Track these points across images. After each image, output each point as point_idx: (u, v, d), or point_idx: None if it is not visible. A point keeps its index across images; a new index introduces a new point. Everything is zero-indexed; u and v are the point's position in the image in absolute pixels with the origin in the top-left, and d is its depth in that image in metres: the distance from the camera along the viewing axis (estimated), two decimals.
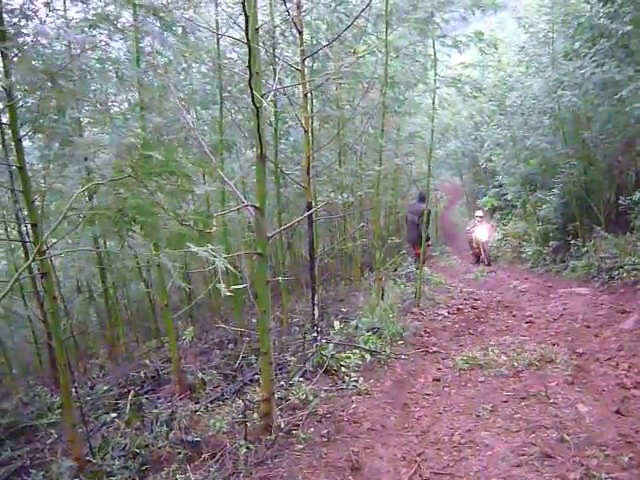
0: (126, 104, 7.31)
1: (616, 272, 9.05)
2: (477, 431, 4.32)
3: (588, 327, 6.85)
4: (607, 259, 9.65)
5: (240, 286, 3.53)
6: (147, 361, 7.53)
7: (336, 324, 6.17)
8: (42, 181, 6.57)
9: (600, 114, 10.33)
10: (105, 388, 6.75)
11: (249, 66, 3.38)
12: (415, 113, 10.73)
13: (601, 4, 8.97)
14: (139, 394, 6.20)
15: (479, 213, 16.69)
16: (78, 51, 4.96)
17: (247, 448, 4.08)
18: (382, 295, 7.72)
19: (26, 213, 4.43)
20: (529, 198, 14.56)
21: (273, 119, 7.18)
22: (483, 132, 16.91)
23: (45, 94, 4.60)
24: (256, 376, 5.72)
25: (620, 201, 10.14)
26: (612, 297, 8.17)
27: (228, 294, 3.16)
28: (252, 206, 3.82)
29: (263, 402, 4.28)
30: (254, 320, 8.82)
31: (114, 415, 5.66)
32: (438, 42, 7.55)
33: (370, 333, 6.38)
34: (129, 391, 6.17)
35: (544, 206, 13.33)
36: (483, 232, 15.69)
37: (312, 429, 4.42)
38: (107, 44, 6.27)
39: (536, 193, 14.16)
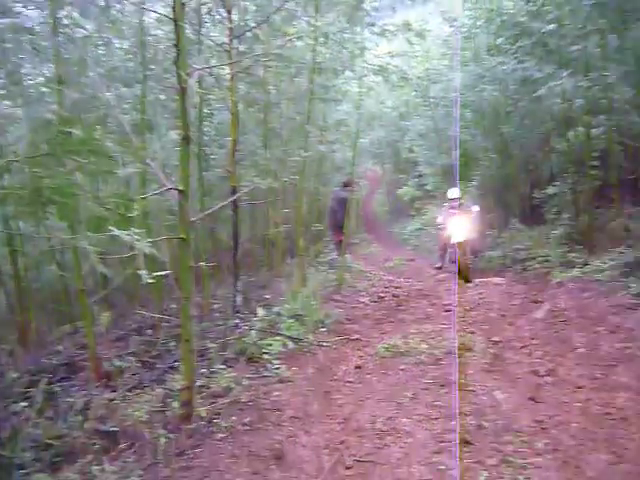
0: (42, 78, 6.95)
1: (529, 263, 9.40)
2: (398, 418, 4.37)
3: (503, 316, 7.07)
4: (521, 250, 10.01)
5: (162, 273, 3.40)
6: (60, 347, 7.23)
7: (259, 311, 6.10)
8: None
9: (519, 110, 10.66)
10: (15, 375, 6.40)
11: (176, 43, 3.25)
12: (341, 101, 10.73)
13: (523, 2, 9.23)
14: (52, 382, 5.92)
15: (454, 193, 10.51)
16: None
17: (167, 438, 3.97)
18: (304, 282, 7.70)
19: None
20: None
21: (197, 100, 7.00)
22: (407, 123, 17.06)
23: None
24: (176, 363, 5.57)
25: (534, 195, 10.51)
26: (525, 287, 8.45)
27: (150, 281, 3.05)
28: (175, 189, 3.70)
29: (184, 390, 4.18)
30: (173, 306, 8.64)
31: (24, 404, 5.38)
32: (367, 30, 7.57)
33: (292, 320, 6.35)
34: (40, 379, 5.89)
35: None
36: (461, 226, 10.07)
37: (234, 417, 4.36)
38: (20, 13, 5.92)
39: (456, 184, 14.44)
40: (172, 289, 9.05)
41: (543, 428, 3.98)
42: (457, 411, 4.28)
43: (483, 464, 3.55)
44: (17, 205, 2.20)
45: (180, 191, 3.69)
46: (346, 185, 11.18)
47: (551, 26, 8.07)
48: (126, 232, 2.47)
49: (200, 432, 4.11)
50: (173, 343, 6.36)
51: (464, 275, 9.74)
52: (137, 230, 2.56)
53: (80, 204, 2.38)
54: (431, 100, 14.02)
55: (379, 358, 5.79)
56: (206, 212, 4.40)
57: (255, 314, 6.29)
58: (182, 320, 4.06)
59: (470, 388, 4.69)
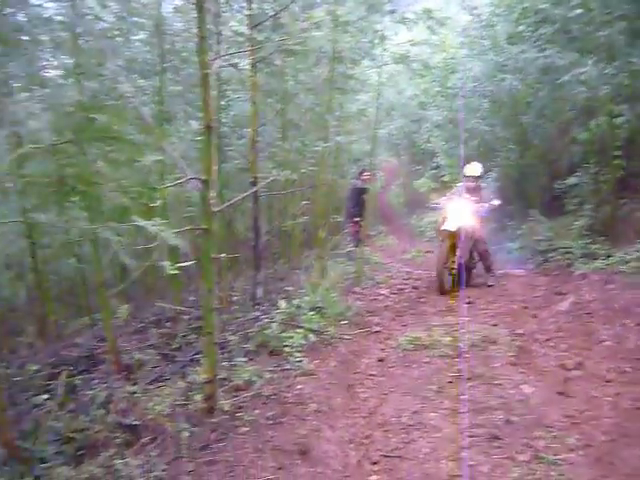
0: (60, 71, 6.91)
1: (550, 255, 9.24)
2: (424, 412, 4.29)
3: (526, 308, 6.96)
4: (542, 242, 9.85)
5: (186, 264, 3.34)
6: (80, 340, 7.22)
7: (281, 303, 6.02)
8: None
9: (539, 99, 10.48)
10: (35, 368, 6.38)
11: (199, 27, 3.18)
12: (360, 90, 10.61)
13: None
14: (72, 374, 5.91)
15: (473, 170, 8.89)
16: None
17: (190, 432, 3.92)
18: (324, 274, 7.62)
19: None
20: None
21: (216, 92, 6.93)
22: (425, 113, 16.80)
23: None
24: (197, 356, 5.53)
25: (555, 186, 10.35)
26: (547, 279, 8.33)
27: (172, 272, 2.99)
28: (198, 179, 3.64)
29: (206, 384, 4.12)
30: (191, 298, 8.61)
31: (45, 397, 5.37)
32: (387, 17, 7.45)
33: (313, 312, 6.26)
34: (61, 371, 5.87)
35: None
36: (462, 211, 8.28)
37: (257, 411, 4.30)
38: (39, 5, 5.88)
39: None
40: (190, 281, 9.04)
41: (574, 423, 3.89)
42: (485, 405, 4.21)
43: (514, 460, 3.47)
44: (40, 194, 2.14)
45: (203, 181, 3.62)
46: (361, 175, 11.11)
47: (576, 12, 7.89)
48: (151, 222, 2.40)
49: (223, 426, 4.05)
50: (193, 336, 6.32)
51: (485, 266, 8.76)
52: (159, 221, 2.49)
53: (103, 193, 2.31)
54: (449, 90, 13.84)
55: (402, 351, 5.71)
56: (228, 203, 4.32)
57: (275, 306, 6.23)
58: (204, 312, 4.00)
59: (497, 382, 4.60)
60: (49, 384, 5.85)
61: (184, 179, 3.54)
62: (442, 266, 8.19)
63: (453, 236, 8.14)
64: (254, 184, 5.31)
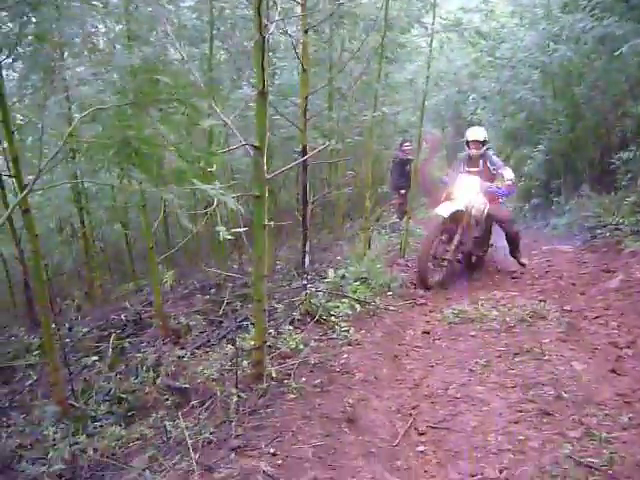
0: (107, 37, 6.94)
1: (599, 231, 9.01)
2: (471, 386, 4.26)
3: (574, 285, 6.82)
4: (590, 218, 9.61)
5: (239, 229, 3.34)
6: (126, 304, 7.35)
7: (330, 272, 6.03)
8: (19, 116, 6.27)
9: (594, 70, 10.16)
10: (84, 330, 6.56)
11: None
12: (408, 60, 10.44)
13: None
14: (121, 338, 6.03)
15: (475, 134, 7.68)
16: None
17: (238, 396, 3.96)
18: (369, 245, 7.59)
19: (5, 146, 4.16)
20: (513, 153, 14.39)
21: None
22: (473, 83, 16.38)
23: (24, 20, 4.28)
24: (243, 323, 5.58)
25: (607, 160, 10.07)
26: (595, 256, 8.14)
27: (228, 236, 2.99)
28: (252, 145, 3.63)
29: (255, 350, 4.14)
30: (235, 266, 8.68)
31: (95, 358, 5.51)
32: None
33: (358, 283, 6.26)
34: (110, 334, 6.01)
35: (528, 162, 13.19)
36: (470, 187, 7.30)
37: (304, 379, 4.31)
38: None
39: (521, 148, 14.01)
40: (233, 249, 9.11)
41: (627, 402, 3.81)
42: (534, 381, 4.16)
43: (565, 436, 3.42)
44: (104, 157, 2.15)
45: (256, 147, 3.61)
46: (402, 147, 10.99)
47: None
48: (210, 186, 2.40)
49: (271, 392, 4.08)
50: (238, 303, 6.38)
51: (511, 250, 7.71)
52: (219, 185, 2.49)
53: (164, 156, 2.31)
54: (497, 61, 13.50)
55: (447, 324, 5.67)
56: (279, 171, 4.30)
57: (320, 276, 6.23)
58: (254, 279, 4.01)
59: (546, 357, 4.52)
60: (98, 346, 6.00)
61: (238, 145, 3.53)
62: (426, 257, 6.97)
63: (449, 221, 7.10)
64: (304, 152, 5.28)
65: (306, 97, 5.30)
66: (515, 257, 7.69)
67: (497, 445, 3.45)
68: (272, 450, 3.39)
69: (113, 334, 5.93)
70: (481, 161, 7.60)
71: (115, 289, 10.30)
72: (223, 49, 7.60)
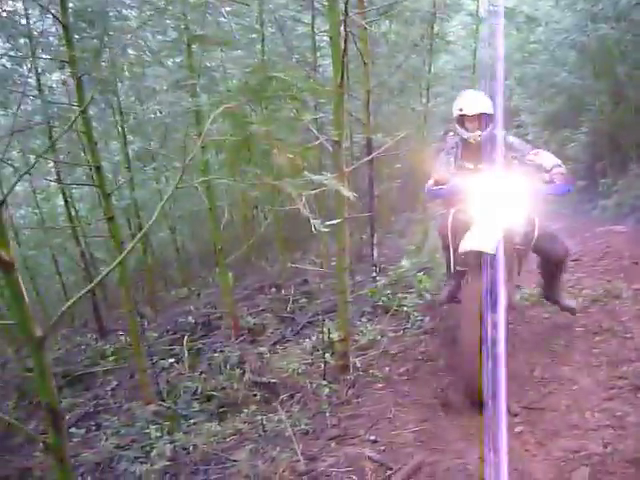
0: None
1: None
2: (556, 366, 4.26)
3: (636, 264, 6.75)
4: None
5: (335, 221, 3.42)
6: (191, 307, 7.49)
7: (403, 262, 6.08)
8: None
9: (638, 48, 10.01)
10: (155, 335, 6.71)
11: None
12: (454, 50, 10.41)
13: None
14: (193, 339, 6.16)
15: (473, 104, 4.38)
16: None
17: (328, 388, 4.04)
18: (426, 236, 7.62)
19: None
20: (553, 137, 14.22)
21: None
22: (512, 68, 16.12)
23: None
24: (313, 319, 5.66)
25: None
26: None
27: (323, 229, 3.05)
28: (331, 140, 3.70)
29: (340, 342, 4.22)
30: (290, 265, 8.76)
31: (172, 361, 5.64)
32: None
33: (421, 273, 6.29)
34: (182, 336, 6.14)
35: (571, 145, 13.04)
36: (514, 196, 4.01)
37: (387, 368, 4.38)
38: None
39: (561, 132, 13.85)
40: (293, 248, 9.19)
41: None
42: (621, 358, 4.15)
43: None
44: (229, 152, 2.22)
45: (335, 142, 3.68)
46: (446, 137, 10.95)
47: None
48: (323, 177, 2.47)
49: (359, 382, 4.16)
50: (304, 300, 6.46)
51: (549, 290, 4.90)
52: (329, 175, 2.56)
53: (274, 150, 2.38)
54: (532, 45, 13.36)
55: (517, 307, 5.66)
56: (358, 163, 4.37)
57: (386, 268, 6.27)
58: (337, 271, 4.09)
59: (628, 335, 4.51)
60: (172, 349, 6.13)
61: (320, 140, 3.60)
62: (473, 358, 3.60)
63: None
64: (369, 144, 5.34)
65: (368, 91, 5.35)
66: (556, 300, 4.90)
67: (595, 422, 3.46)
68: (372, 437, 3.46)
69: (185, 336, 6.05)
70: (489, 150, 4.36)
71: (168, 295, 10.49)
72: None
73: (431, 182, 4.25)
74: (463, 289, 4.20)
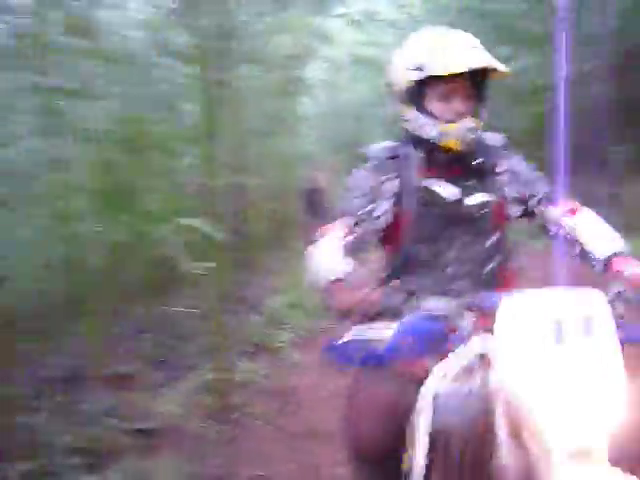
0: None
1: None
2: None
3: None
4: None
5: (207, 264, 3.50)
6: (56, 359, 7.12)
7: (277, 299, 6.19)
8: None
9: None
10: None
11: None
12: (306, 94, 10.77)
13: None
14: (65, 391, 5.87)
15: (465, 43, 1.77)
16: None
17: (210, 429, 4.07)
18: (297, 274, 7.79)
19: None
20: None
21: None
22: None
23: None
24: (190, 362, 5.62)
25: None
26: None
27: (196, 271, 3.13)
28: (203, 184, 3.81)
29: (219, 382, 4.27)
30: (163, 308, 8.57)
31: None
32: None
33: (295, 309, 6.45)
34: (50, 389, 5.83)
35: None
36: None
37: (264, 405, 4.48)
38: None
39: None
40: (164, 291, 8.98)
41: None
42: None
43: None
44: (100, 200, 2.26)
45: (206, 186, 3.80)
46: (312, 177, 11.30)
47: None
48: (195, 220, 2.57)
49: (240, 421, 4.22)
50: (179, 343, 6.37)
51: None
52: None
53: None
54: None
55: None
56: (229, 207, 4.49)
57: (262, 305, 6.33)
58: (211, 312, 4.16)
59: None
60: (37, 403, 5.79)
61: (190, 185, 3.70)
62: None
63: None
64: (241, 187, 5.48)
65: (237, 134, 5.50)
66: None
67: None
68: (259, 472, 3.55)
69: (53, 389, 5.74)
70: (484, 172, 1.90)
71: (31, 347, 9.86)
72: None
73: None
74: None
